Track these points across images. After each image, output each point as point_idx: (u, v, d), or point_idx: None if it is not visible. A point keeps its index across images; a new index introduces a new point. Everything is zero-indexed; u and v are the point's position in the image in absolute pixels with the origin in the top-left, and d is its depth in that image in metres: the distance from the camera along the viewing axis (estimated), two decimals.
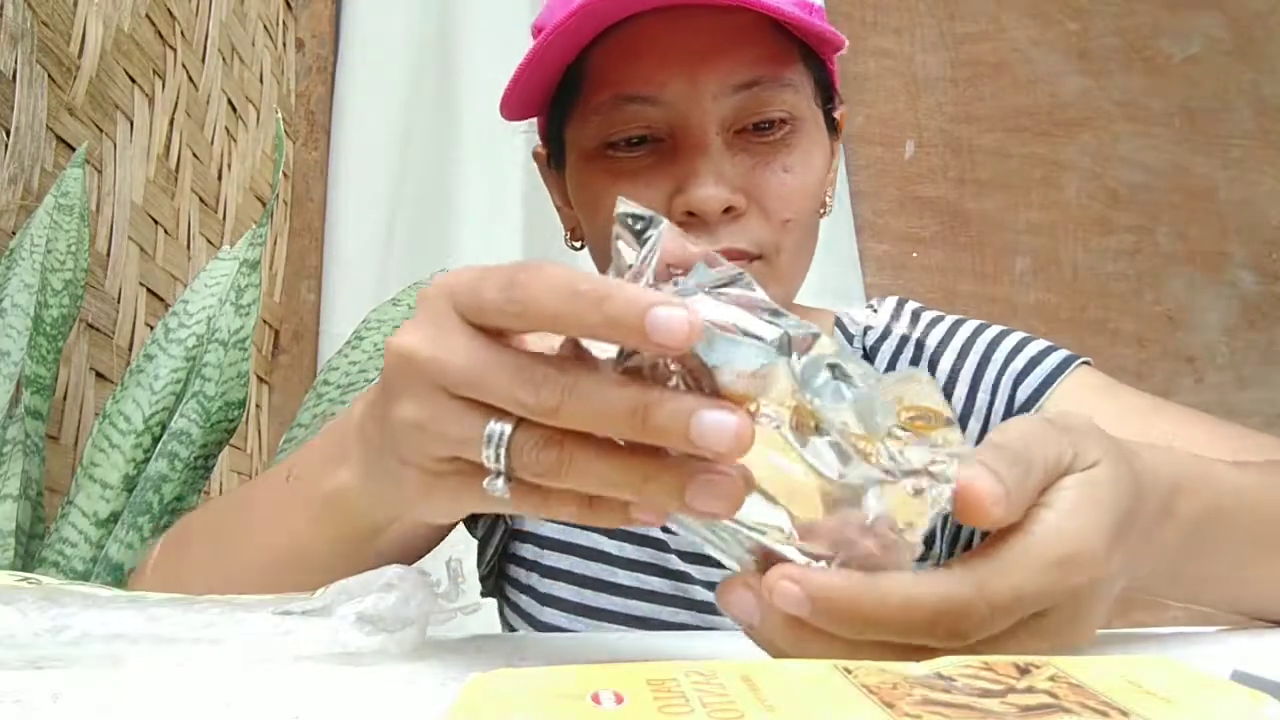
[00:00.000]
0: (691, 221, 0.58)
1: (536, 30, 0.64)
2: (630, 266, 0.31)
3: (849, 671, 0.25)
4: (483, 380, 0.30)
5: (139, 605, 0.36)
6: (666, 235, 0.31)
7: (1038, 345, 0.67)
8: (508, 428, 0.30)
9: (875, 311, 0.74)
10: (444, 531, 0.69)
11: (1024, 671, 0.26)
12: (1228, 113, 1.82)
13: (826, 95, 0.65)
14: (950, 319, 0.71)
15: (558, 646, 0.48)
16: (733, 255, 0.58)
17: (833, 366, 0.30)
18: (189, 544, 0.55)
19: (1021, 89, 1.80)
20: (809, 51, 0.63)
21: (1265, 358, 1.76)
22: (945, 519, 0.63)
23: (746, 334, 0.29)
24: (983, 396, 0.66)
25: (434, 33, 1.56)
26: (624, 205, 0.31)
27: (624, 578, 0.66)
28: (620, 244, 0.31)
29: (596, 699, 0.22)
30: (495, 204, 1.48)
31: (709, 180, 0.57)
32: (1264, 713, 0.22)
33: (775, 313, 0.30)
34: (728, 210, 0.58)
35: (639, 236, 0.31)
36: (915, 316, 0.72)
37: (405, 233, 1.51)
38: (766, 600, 0.30)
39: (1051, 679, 0.25)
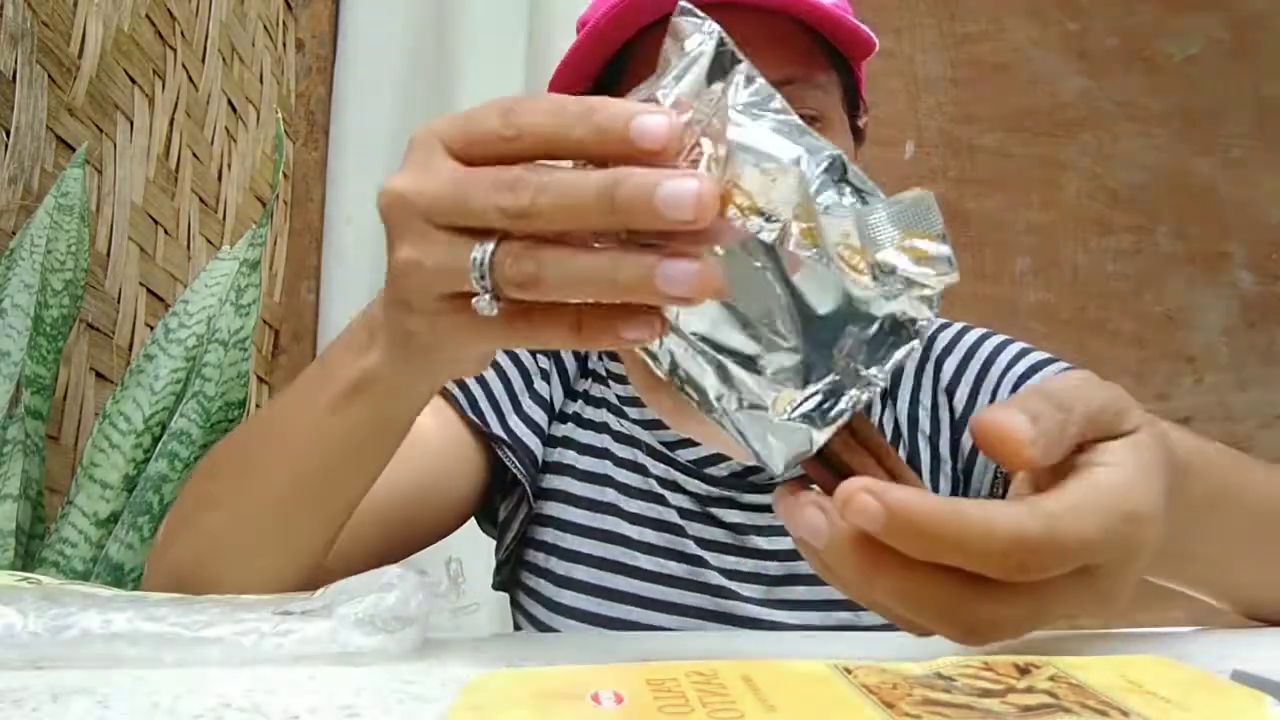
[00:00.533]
0: None
1: (580, 25, 0.66)
2: (671, 71, 0.32)
3: (849, 672, 0.25)
4: (464, 199, 0.32)
5: (139, 605, 0.36)
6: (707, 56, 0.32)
7: (1039, 355, 0.69)
8: (490, 245, 0.32)
9: None
10: (464, 516, 0.70)
11: (1024, 671, 0.26)
12: (1228, 113, 1.82)
13: (853, 102, 0.67)
14: (957, 325, 0.74)
15: (558, 646, 0.48)
16: None
17: (844, 181, 0.32)
18: (219, 465, 0.54)
19: (1021, 89, 1.80)
20: (839, 57, 0.65)
21: (1265, 358, 1.76)
22: (997, 473, 0.65)
23: (764, 154, 0.31)
24: (983, 399, 0.68)
25: (431, 32, 1.56)
26: (683, 5, 0.33)
27: (643, 561, 0.67)
28: (666, 47, 0.33)
29: (596, 699, 0.22)
30: None
31: None
32: (1264, 713, 0.22)
33: (802, 130, 0.32)
34: None
35: (682, 46, 0.33)
36: None
37: None
38: (837, 521, 0.30)
39: (1051, 679, 0.25)
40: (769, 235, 0.31)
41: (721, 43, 0.32)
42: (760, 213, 0.30)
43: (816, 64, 0.63)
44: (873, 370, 0.32)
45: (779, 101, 0.32)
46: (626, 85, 0.63)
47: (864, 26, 0.62)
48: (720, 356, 0.33)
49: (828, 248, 0.31)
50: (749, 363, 0.33)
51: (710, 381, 0.34)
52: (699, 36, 0.32)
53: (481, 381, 0.69)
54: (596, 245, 0.31)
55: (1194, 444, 0.40)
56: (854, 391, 0.33)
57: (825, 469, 0.34)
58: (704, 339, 0.33)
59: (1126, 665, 0.26)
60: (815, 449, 0.33)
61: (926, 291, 0.31)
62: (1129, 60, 1.82)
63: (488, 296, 0.32)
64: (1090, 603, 0.31)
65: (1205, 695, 0.24)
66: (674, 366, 0.34)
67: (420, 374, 0.42)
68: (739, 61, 0.32)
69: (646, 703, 0.22)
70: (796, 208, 0.31)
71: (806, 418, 0.33)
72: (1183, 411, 1.70)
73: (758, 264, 0.31)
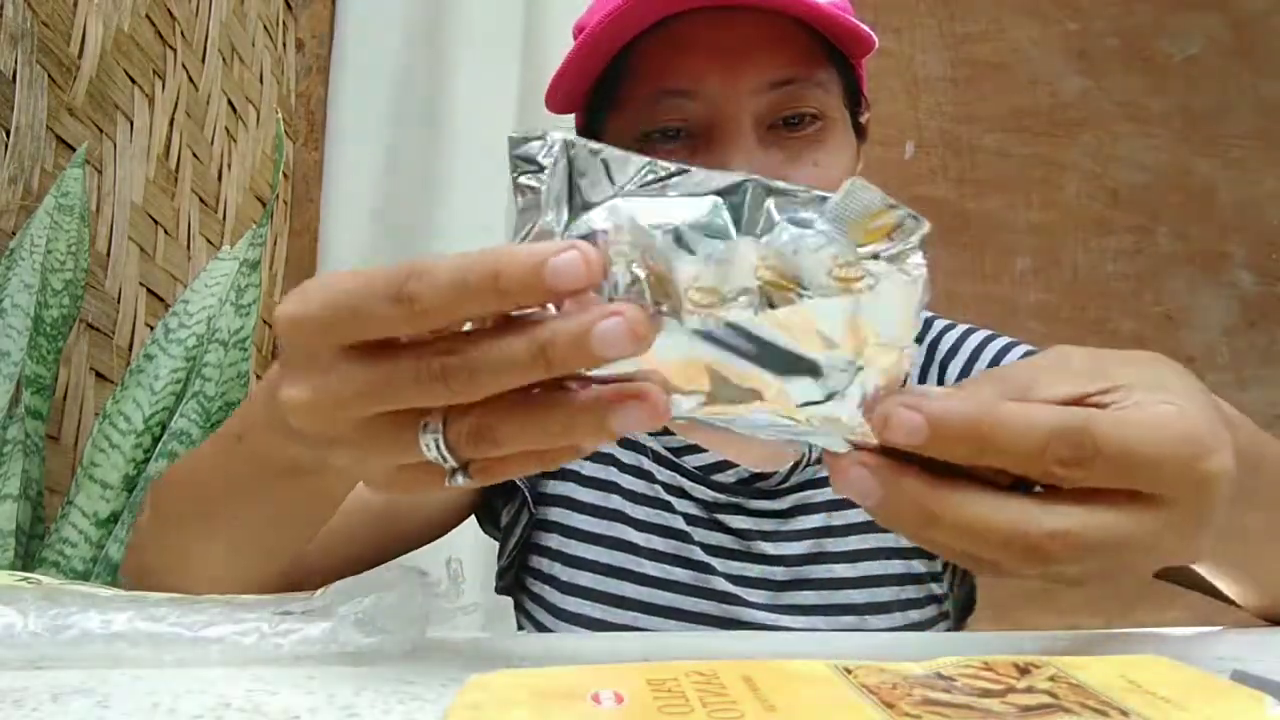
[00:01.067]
0: None
1: (577, 31, 0.66)
2: (537, 196, 0.31)
3: (849, 672, 0.25)
4: (389, 401, 0.30)
5: (139, 605, 0.36)
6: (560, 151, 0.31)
7: None
8: (439, 430, 0.31)
9: None
10: (460, 516, 0.71)
11: (1024, 671, 0.26)
12: (1228, 113, 1.82)
13: (854, 99, 0.67)
14: (961, 327, 0.74)
15: (558, 646, 0.48)
16: None
17: (771, 192, 0.31)
18: (165, 515, 0.54)
19: (1021, 89, 1.80)
20: (839, 55, 0.65)
21: (1265, 358, 1.76)
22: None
23: (685, 226, 0.30)
24: None
25: (427, 33, 1.56)
26: (513, 136, 0.31)
27: (649, 568, 0.67)
28: (522, 180, 0.31)
29: (596, 699, 0.22)
30: (484, 203, 1.48)
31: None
32: (1264, 713, 0.22)
33: (709, 180, 0.31)
34: None
35: (535, 164, 0.31)
36: (927, 324, 0.74)
37: (397, 230, 1.51)
38: (887, 477, 0.30)
39: (1051, 679, 0.25)
40: (738, 314, 0.30)
41: (569, 145, 0.31)
42: (722, 299, 0.30)
43: (816, 62, 0.63)
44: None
45: (647, 165, 0.31)
46: (624, 91, 0.63)
47: (863, 25, 0.62)
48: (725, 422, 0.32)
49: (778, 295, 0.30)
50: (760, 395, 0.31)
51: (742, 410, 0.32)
52: (546, 155, 0.31)
53: None
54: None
55: (1241, 419, 0.40)
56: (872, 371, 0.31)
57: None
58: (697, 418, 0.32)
59: (1126, 665, 0.26)
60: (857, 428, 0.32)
61: (910, 251, 0.30)
62: (1129, 60, 1.82)
63: (459, 474, 0.32)
64: (1169, 538, 0.30)
65: (1205, 695, 0.24)
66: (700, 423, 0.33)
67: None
68: (597, 151, 0.31)
69: (646, 703, 0.22)
70: (758, 271, 0.30)
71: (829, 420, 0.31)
72: None
73: (731, 344, 0.30)
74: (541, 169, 0.31)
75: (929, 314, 0.75)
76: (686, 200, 0.31)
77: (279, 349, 0.33)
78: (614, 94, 0.64)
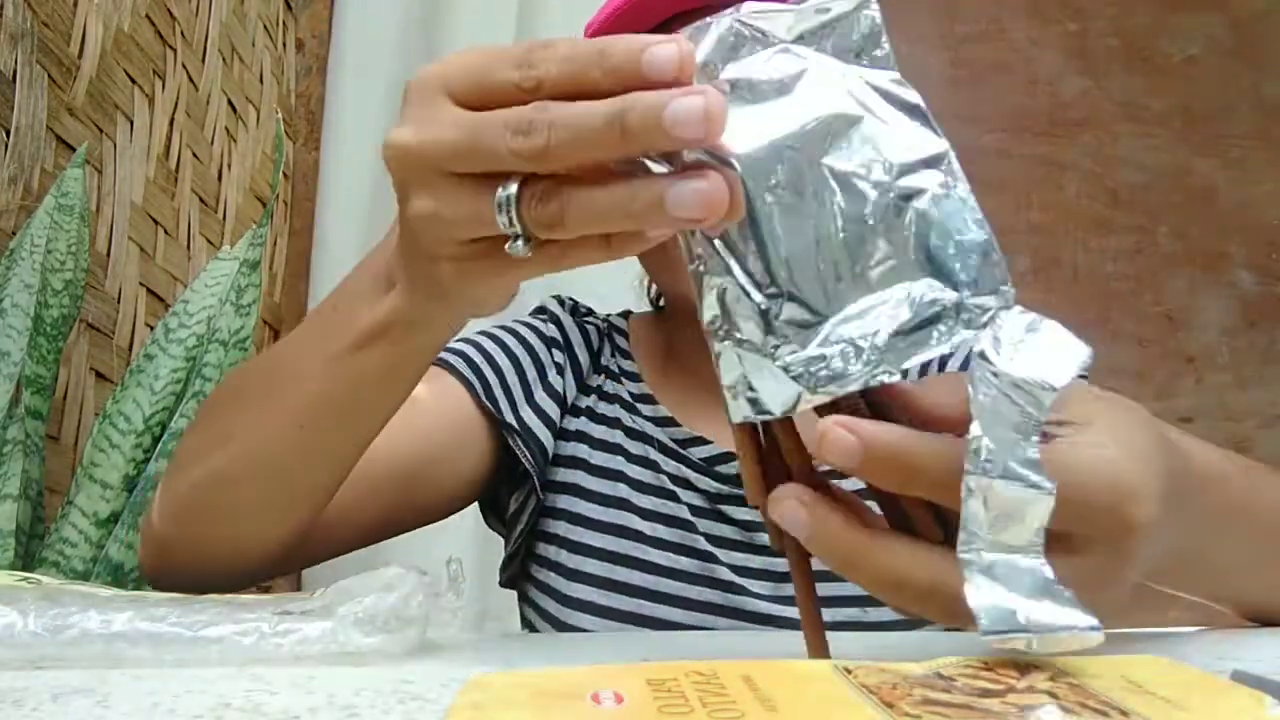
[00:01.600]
0: None
1: (587, 30, 0.67)
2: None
3: (849, 672, 0.25)
4: (476, 144, 0.32)
5: (139, 605, 0.36)
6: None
7: None
8: (513, 188, 0.32)
9: None
10: (467, 498, 0.71)
11: (1024, 672, 0.26)
12: (1228, 113, 1.81)
13: None
14: None
15: (558, 646, 0.48)
16: None
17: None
18: (228, 401, 0.54)
19: (1021, 89, 1.80)
20: None
21: (1265, 358, 1.76)
22: None
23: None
24: None
25: (423, 32, 1.56)
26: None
27: (654, 555, 0.67)
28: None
29: (596, 699, 0.22)
30: None
31: None
32: (1264, 713, 0.22)
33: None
34: None
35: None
36: None
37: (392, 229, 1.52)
38: (818, 513, 0.31)
39: (1051, 679, 0.25)
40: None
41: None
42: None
43: None
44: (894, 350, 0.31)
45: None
46: None
47: None
48: (732, 275, 0.32)
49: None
50: (758, 310, 0.31)
51: (710, 303, 0.32)
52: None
53: (496, 370, 0.69)
54: (618, 172, 0.31)
55: (1213, 455, 0.39)
56: (860, 368, 0.31)
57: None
58: (728, 246, 0.32)
59: (1126, 665, 0.26)
60: (800, 408, 0.31)
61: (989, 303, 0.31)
62: (1129, 60, 1.82)
63: (520, 240, 0.32)
64: (1076, 582, 0.28)
65: (1205, 695, 0.24)
66: (698, 262, 0.33)
67: (444, 314, 0.42)
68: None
69: (646, 703, 0.22)
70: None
71: (798, 377, 0.31)
72: (1183, 411, 1.70)
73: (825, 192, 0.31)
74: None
75: None
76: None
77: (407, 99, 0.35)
78: None
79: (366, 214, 1.53)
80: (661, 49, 0.29)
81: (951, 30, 1.79)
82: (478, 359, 0.69)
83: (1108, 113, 1.81)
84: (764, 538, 0.67)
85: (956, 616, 0.29)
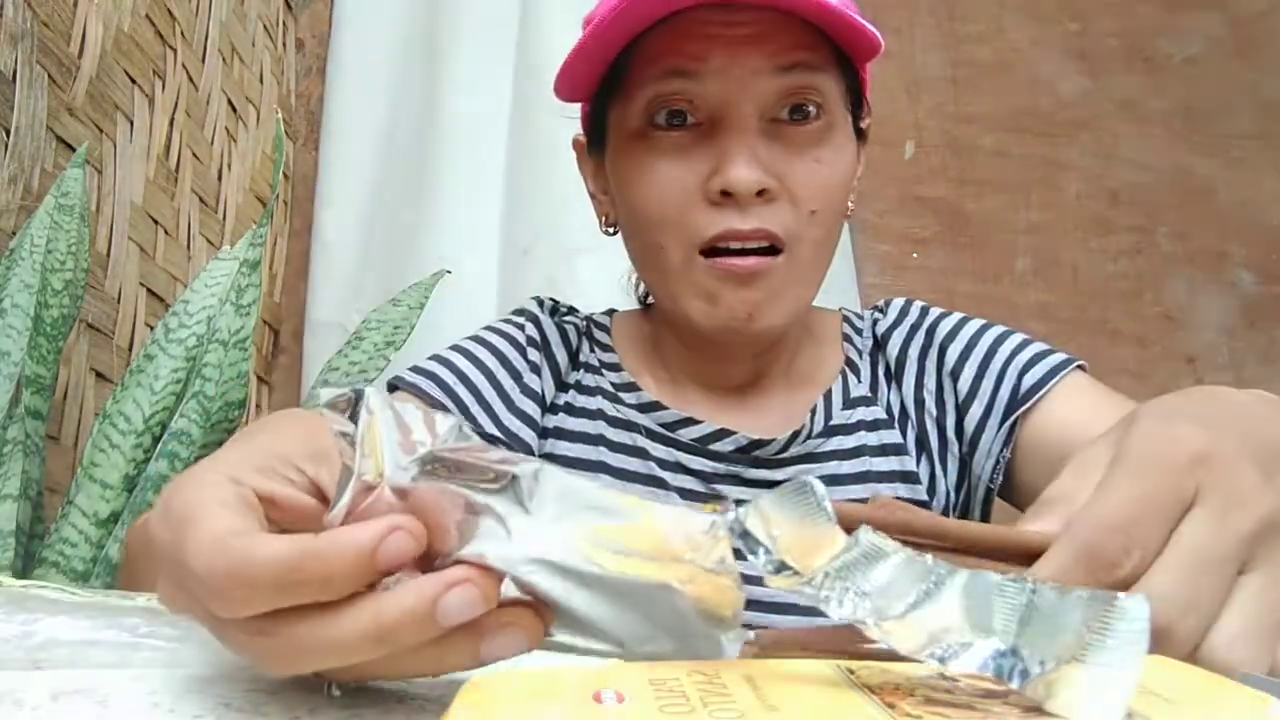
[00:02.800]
0: (726, 202, 0.61)
1: (587, 22, 0.67)
2: (354, 447, 0.28)
3: (851, 672, 0.25)
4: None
5: (110, 613, 0.36)
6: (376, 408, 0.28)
7: (1040, 345, 0.71)
8: None
9: (883, 314, 0.78)
10: None
11: None
12: (1228, 113, 1.81)
13: (857, 102, 0.68)
14: (957, 315, 0.75)
15: None
16: (761, 237, 0.62)
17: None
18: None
19: (1021, 89, 1.79)
20: (844, 59, 0.66)
21: (1265, 358, 1.76)
22: (999, 459, 0.65)
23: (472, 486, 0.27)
24: (987, 383, 0.69)
25: (422, 32, 1.56)
26: (324, 396, 0.29)
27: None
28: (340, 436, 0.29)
29: (598, 698, 0.22)
30: (477, 202, 1.48)
31: (745, 161, 0.60)
32: (1265, 713, 0.22)
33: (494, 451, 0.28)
34: (761, 193, 0.61)
35: (351, 415, 0.28)
36: (924, 310, 0.76)
37: (389, 228, 1.51)
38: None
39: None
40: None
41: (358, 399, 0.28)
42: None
43: (822, 57, 0.63)
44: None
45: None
46: (631, 78, 0.64)
47: (870, 25, 0.62)
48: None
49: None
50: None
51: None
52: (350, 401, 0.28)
53: (471, 388, 0.69)
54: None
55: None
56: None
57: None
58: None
59: None
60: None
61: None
62: (1129, 60, 1.82)
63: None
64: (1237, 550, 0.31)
65: (1206, 695, 0.24)
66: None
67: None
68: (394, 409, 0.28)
69: (648, 702, 0.22)
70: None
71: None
72: None
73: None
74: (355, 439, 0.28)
75: (923, 303, 0.77)
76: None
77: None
78: (621, 83, 0.65)
79: (366, 214, 1.53)
80: (393, 541, 0.26)
81: (951, 30, 1.79)
82: (450, 379, 0.69)
83: (1108, 113, 1.81)
84: None
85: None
